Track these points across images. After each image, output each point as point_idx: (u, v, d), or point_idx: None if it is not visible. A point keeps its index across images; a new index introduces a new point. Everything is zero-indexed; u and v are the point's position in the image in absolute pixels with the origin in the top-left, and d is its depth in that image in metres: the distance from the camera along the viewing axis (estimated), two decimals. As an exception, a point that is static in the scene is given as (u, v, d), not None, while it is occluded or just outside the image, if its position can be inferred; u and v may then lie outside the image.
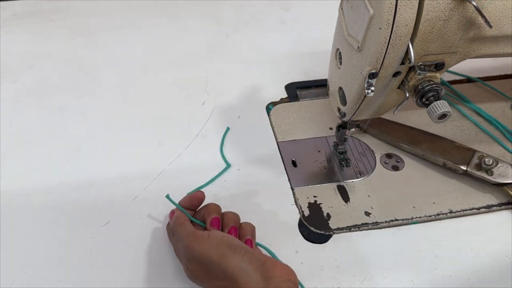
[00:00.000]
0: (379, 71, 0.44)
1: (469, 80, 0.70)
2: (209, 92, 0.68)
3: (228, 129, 0.62)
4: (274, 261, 0.42)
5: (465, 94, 0.67)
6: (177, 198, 0.55)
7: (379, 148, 0.61)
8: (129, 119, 0.64)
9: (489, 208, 0.55)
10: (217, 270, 0.42)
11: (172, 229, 0.48)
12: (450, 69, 0.47)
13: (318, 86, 0.69)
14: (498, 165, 0.55)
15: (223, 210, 0.49)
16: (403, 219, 0.54)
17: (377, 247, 0.52)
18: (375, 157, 0.60)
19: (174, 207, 0.50)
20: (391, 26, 0.40)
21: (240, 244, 0.43)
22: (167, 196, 0.50)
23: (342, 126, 0.56)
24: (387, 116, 0.55)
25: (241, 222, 0.49)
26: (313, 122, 0.64)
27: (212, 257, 0.42)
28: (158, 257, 0.50)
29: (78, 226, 0.52)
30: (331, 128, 0.63)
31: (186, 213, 0.49)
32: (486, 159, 0.55)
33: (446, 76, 0.65)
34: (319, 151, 0.60)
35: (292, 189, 0.56)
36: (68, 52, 0.73)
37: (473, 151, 0.57)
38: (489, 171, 0.55)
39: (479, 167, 0.56)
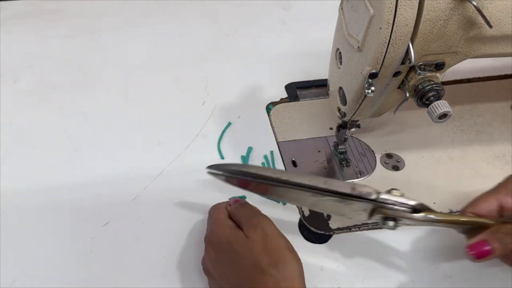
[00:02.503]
0: (379, 71, 0.44)
1: (469, 80, 0.70)
2: (209, 92, 0.68)
3: (229, 123, 0.62)
4: None
5: (465, 94, 0.67)
6: (178, 198, 0.55)
7: (379, 148, 0.61)
8: (129, 119, 0.64)
9: (489, 208, 0.55)
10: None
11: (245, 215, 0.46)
12: (451, 69, 0.47)
13: (318, 86, 0.69)
14: None
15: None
16: (403, 219, 0.53)
17: (377, 247, 0.52)
18: (375, 157, 0.60)
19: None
20: (391, 26, 0.40)
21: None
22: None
23: (342, 126, 0.56)
24: (387, 116, 0.55)
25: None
26: (313, 122, 0.64)
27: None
28: (158, 257, 0.50)
29: (78, 226, 0.52)
30: (331, 128, 0.63)
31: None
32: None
33: (447, 76, 0.65)
34: (319, 151, 0.60)
35: (292, 189, 0.56)
36: (68, 52, 0.73)
37: None
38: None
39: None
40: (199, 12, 0.81)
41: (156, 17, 0.80)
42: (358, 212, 0.46)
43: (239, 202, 0.49)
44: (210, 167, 0.49)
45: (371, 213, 0.45)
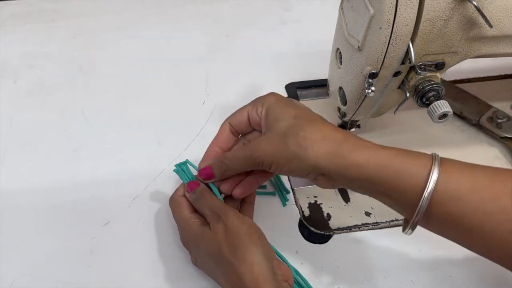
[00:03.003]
0: (379, 71, 0.44)
1: (469, 80, 0.70)
2: (209, 92, 0.68)
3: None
4: (279, 261, 0.44)
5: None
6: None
7: (379, 148, 0.61)
8: (129, 119, 0.64)
9: (489, 208, 0.55)
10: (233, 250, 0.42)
11: (197, 203, 0.47)
12: (451, 69, 0.47)
13: (318, 86, 0.69)
14: (509, 121, 0.60)
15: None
16: (403, 219, 0.53)
17: (377, 247, 0.52)
18: (375, 157, 0.60)
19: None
20: (391, 25, 0.40)
21: (262, 233, 0.45)
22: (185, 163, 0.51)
23: (342, 126, 0.56)
24: (388, 116, 0.55)
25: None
26: (313, 122, 0.64)
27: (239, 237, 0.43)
28: (158, 257, 0.50)
29: (78, 226, 0.52)
30: (331, 128, 0.63)
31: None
32: (498, 113, 0.61)
33: (447, 76, 0.65)
34: (319, 151, 0.60)
35: (292, 189, 0.56)
36: (68, 52, 0.73)
37: (490, 107, 0.62)
38: (498, 124, 0.60)
39: (490, 120, 0.61)
40: (199, 12, 0.81)
41: (156, 17, 0.80)
42: None
43: (198, 191, 0.48)
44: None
45: None
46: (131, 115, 0.64)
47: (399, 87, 0.48)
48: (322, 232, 0.52)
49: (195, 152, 0.59)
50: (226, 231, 0.43)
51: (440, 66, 0.45)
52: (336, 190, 0.56)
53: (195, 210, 0.48)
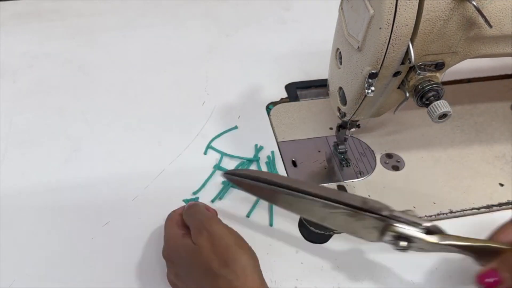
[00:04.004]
0: (379, 71, 0.44)
1: (469, 80, 0.70)
2: (209, 92, 0.68)
3: (236, 127, 0.63)
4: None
5: (465, 94, 0.67)
6: (176, 198, 0.55)
7: (379, 148, 0.61)
8: (129, 119, 0.64)
9: (489, 208, 0.55)
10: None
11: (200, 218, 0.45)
12: (451, 69, 0.47)
13: (318, 86, 0.69)
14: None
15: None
16: (403, 219, 0.53)
17: (377, 247, 0.51)
18: (375, 157, 0.60)
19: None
20: (391, 26, 0.40)
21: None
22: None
23: (342, 126, 0.56)
24: (387, 116, 0.55)
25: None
26: (313, 122, 0.64)
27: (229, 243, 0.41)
28: (158, 257, 0.50)
29: (78, 226, 0.52)
30: (331, 128, 0.63)
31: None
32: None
33: (447, 76, 0.65)
34: (319, 151, 0.60)
35: (292, 189, 0.56)
36: (68, 52, 0.73)
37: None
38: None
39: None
40: (199, 12, 0.82)
41: (156, 17, 0.80)
42: (369, 230, 0.44)
43: (188, 205, 0.48)
44: (226, 172, 0.49)
45: (383, 232, 0.43)
46: (131, 115, 0.64)
47: (399, 87, 0.48)
48: (322, 232, 0.52)
49: (195, 152, 0.60)
50: (212, 243, 0.41)
51: (440, 66, 0.45)
52: (336, 190, 0.56)
53: (187, 229, 0.46)
